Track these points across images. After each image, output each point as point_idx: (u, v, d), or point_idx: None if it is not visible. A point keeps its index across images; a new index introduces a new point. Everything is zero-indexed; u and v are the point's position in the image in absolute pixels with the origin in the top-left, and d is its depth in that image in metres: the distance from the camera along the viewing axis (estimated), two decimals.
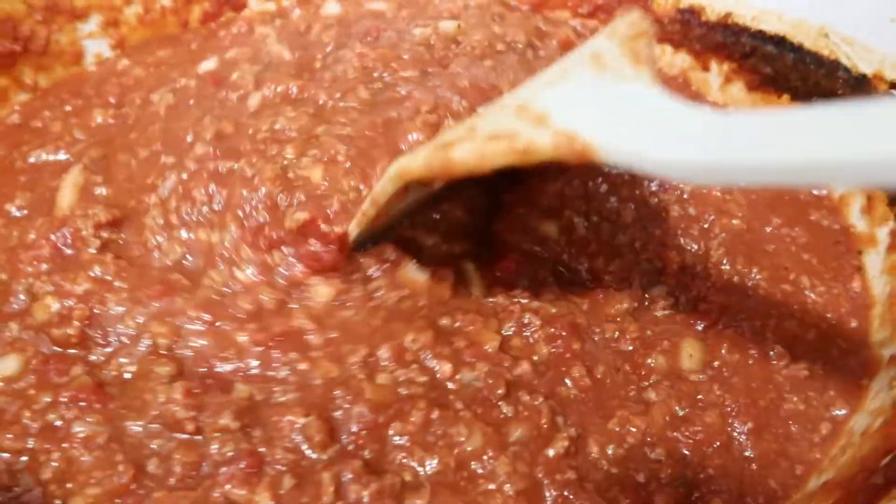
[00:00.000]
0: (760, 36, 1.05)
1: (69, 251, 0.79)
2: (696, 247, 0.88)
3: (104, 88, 1.01)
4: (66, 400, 0.69)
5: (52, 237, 0.79)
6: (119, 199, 0.83)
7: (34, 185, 0.89)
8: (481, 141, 0.62)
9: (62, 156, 0.92)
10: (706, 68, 1.11)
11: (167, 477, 0.65)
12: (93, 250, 0.78)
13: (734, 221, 0.91)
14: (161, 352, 0.72)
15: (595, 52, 0.66)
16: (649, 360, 0.77)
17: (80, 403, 0.69)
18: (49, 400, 0.69)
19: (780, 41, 1.04)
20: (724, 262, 0.87)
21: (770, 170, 0.51)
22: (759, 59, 1.06)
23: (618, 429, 0.71)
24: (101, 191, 0.84)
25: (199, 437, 0.67)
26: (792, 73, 1.03)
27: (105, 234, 0.80)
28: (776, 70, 1.05)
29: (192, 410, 0.67)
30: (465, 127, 0.67)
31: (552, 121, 0.60)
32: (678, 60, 1.13)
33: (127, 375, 0.71)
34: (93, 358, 0.73)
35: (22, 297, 0.77)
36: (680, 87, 1.12)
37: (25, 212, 0.86)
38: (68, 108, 0.99)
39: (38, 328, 0.74)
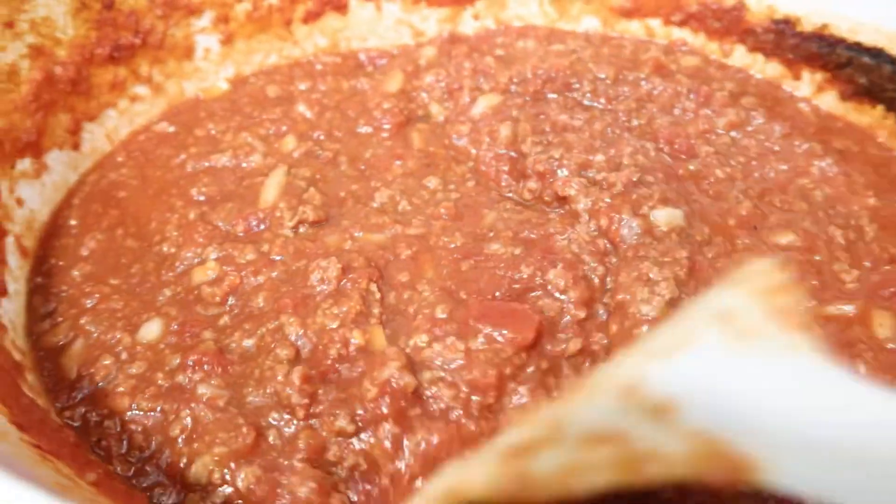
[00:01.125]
0: (857, 47, 1.08)
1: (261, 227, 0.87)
2: None
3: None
4: (192, 363, 0.73)
5: (252, 219, 0.87)
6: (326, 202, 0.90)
7: (216, 181, 0.94)
8: (570, 446, 0.41)
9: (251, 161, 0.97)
10: (798, 77, 1.14)
11: (293, 453, 0.68)
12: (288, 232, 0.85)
13: None
14: (288, 338, 0.75)
15: (724, 311, 0.46)
16: None
17: (205, 367, 0.72)
18: (178, 362, 0.73)
19: (877, 53, 1.06)
20: None
21: None
22: (855, 69, 1.09)
23: None
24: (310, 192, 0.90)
25: (315, 422, 0.70)
26: (889, 83, 1.05)
27: (302, 230, 0.86)
28: (871, 81, 1.07)
29: (306, 398, 0.70)
30: (546, 418, 0.44)
31: (681, 416, 0.41)
32: (769, 69, 1.16)
33: (247, 345, 0.75)
34: (221, 322, 0.77)
35: (186, 263, 0.83)
36: (769, 88, 1.14)
37: (202, 198, 0.92)
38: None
39: (189, 289, 0.80)
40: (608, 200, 0.85)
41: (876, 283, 0.83)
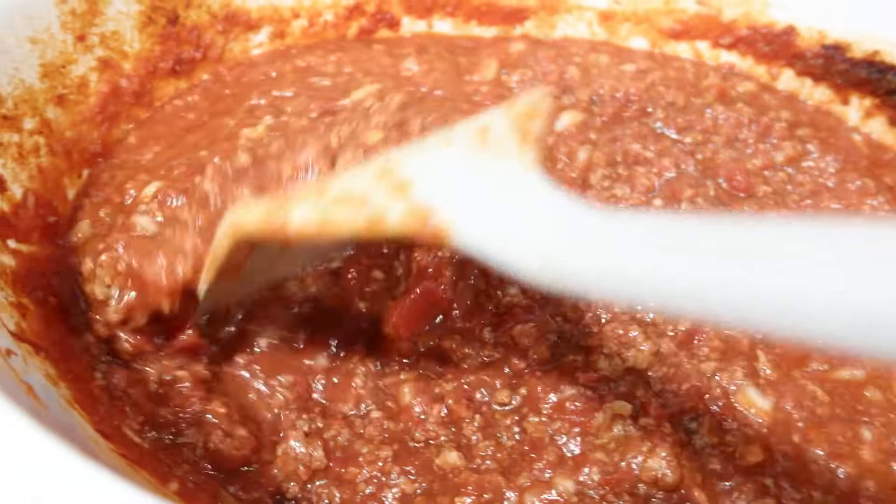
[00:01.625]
0: None
1: None
2: None
3: None
4: None
5: None
6: None
7: None
8: (326, 203, 0.55)
9: None
10: (846, 102, 1.14)
11: None
12: None
13: None
14: None
15: (483, 126, 0.59)
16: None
17: None
18: None
19: None
20: None
21: (619, 285, 0.47)
22: None
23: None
24: None
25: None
26: None
27: None
28: None
29: None
30: (316, 183, 0.62)
31: (412, 191, 0.54)
32: (817, 93, 1.16)
33: None
34: None
35: None
36: (821, 117, 1.15)
37: None
38: None
39: None
40: None
41: None
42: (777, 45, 1.18)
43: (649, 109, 1.10)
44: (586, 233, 0.49)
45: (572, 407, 0.72)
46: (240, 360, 0.75)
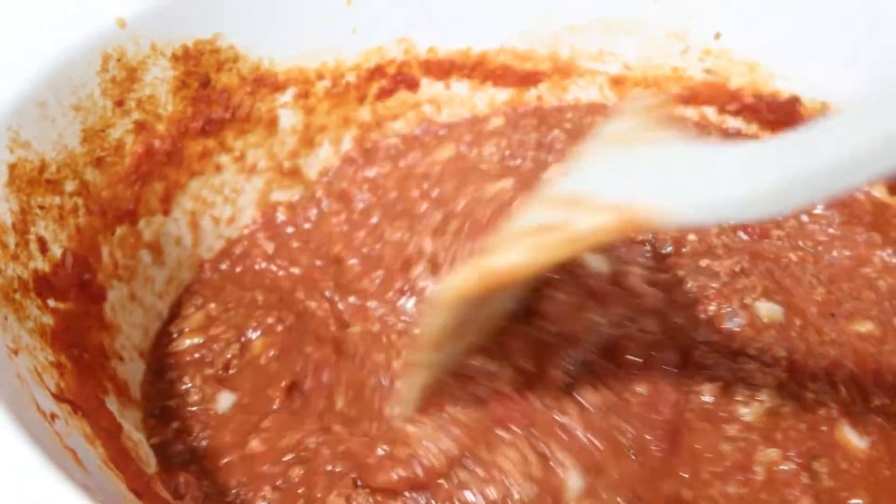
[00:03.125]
0: None
1: None
2: None
3: None
4: None
5: None
6: None
7: None
8: (528, 238, 0.59)
9: None
10: None
11: None
12: None
13: None
14: None
15: (613, 133, 0.64)
16: None
17: None
18: None
19: None
20: None
21: (826, 174, 0.51)
22: None
23: None
24: None
25: None
26: None
27: None
28: None
29: None
30: (502, 235, 0.64)
31: (601, 200, 0.57)
32: None
33: None
34: None
35: None
36: None
37: None
38: None
39: None
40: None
41: None
42: (781, 114, 1.22)
43: None
44: (764, 158, 0.55)
45: None
46: None
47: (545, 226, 0.58)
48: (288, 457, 0.78)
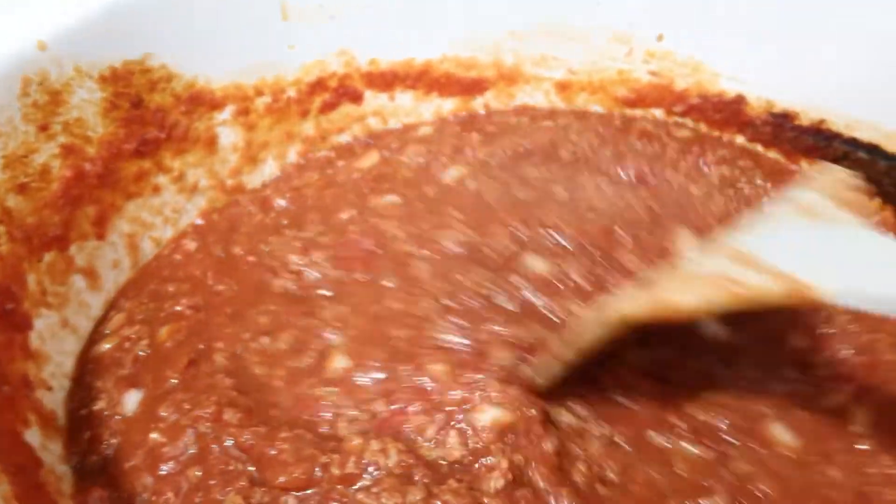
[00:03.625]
0: (853, 142, 1.11)
1: None
2: None
3: None
4: None
5: None
6: None
7: None
8: (706, 283, 0.66)
9: None
10: (796, 166, 1.17)
11: None
12: None
13: None
14: None
15: (802, 204, 0.71)
16: None
17: None
18: None
19: (872, 149, 1.09)
20: None
21: None
22: (851, 163, 1.12)
23: None
24: None
25: None
26: (884, 178, 1.09)
27: None
28: (868, 175, 1.10)
29: None
30: (678, 273, 0.72)
31: (773, 266, 0.64)
32: (769, 156, 1.19)
33: None
34: None
35: None
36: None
37: None
38: None
39: None
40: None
41: None
42: (728, 113, 1.21)
43: (555, 154, 1.14)
44: None
45: None
46: None
47: (723, 276, 0.65)
48: (186, 453, 0.77)
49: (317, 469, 0.73)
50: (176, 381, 0.84)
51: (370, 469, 0.73)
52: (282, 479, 0.73)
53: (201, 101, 1.13)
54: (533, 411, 0.75)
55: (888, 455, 0.80)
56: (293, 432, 0.77)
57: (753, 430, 0.81)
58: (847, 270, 0.62)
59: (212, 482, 0.74)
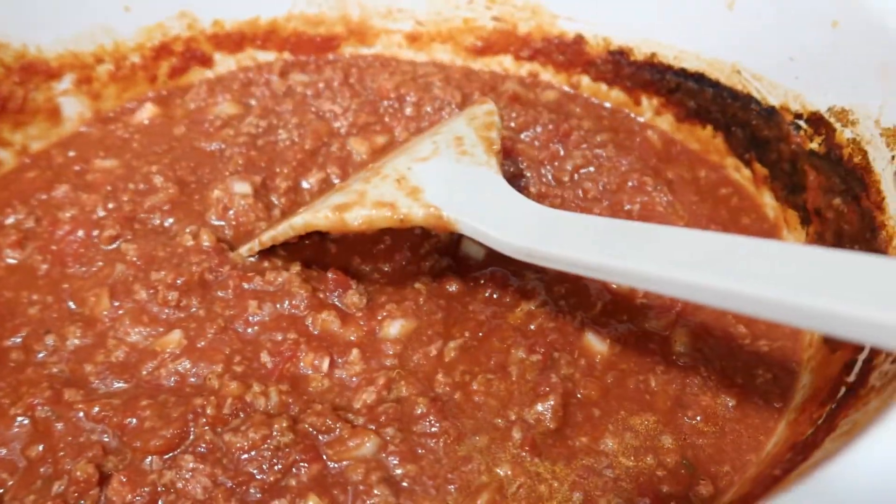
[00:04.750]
0: (683, 73, 1.16)
1: None
2: None
3: None
4: None
5: None
6: None
7: None
8: (370, 207, 0.82)
9: None
10: (638, 103, 1.22)
11: None
12: None
13: None
14: None
15: (458, 135, 0.89)
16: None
17: None
18: None
19: (699, 77, 1.14)
20: None
21: (570, 264, 0.70)
22: (684, 93, 1.17)
23: None
24: None
25: None
26: (712, 105, 1.14)
27: None
28: (699, 103, 1.16)
29: None
30: (355, 191, 0.85)
31: (424, 196, 0.81)
32: (613, 95, 1.24)
33: None
34: None
35: None
36: (623, 121, 1.23)
37: None
38: None
39: None
40: None
41: None
42: (570, 54, 1.25)
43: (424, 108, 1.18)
44: (539, 223, 0.76)
45: None
46: None
47: (385, 200, 0.82)
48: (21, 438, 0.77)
49: (189, 416, 0.76)
50: None
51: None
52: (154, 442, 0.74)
53: (35, 71, 1.11)
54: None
55: (705, 367, 0.85)
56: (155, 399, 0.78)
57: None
58: (477, 212, 0.78)
59: (60, 454, 0.74)
